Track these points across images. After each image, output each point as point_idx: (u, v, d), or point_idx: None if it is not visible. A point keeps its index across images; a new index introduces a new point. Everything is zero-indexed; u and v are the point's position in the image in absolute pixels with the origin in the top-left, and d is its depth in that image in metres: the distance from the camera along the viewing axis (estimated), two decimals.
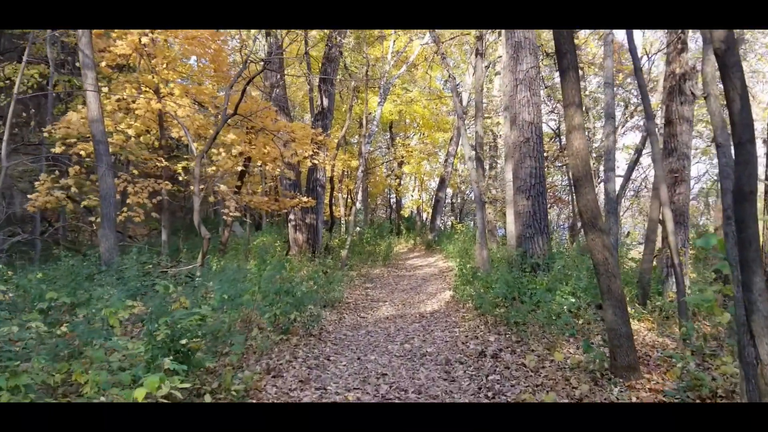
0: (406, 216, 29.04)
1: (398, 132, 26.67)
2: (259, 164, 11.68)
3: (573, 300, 6.35)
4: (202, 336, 4.04)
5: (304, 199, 11.47)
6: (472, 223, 27.41)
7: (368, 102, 20.21)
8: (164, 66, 10.66)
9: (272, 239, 16.60)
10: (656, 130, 5.65)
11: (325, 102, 14.49)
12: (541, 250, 8.27)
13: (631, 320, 6.67)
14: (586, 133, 17.58)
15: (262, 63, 9.82)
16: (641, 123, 21.38)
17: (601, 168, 20.27)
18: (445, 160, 22.45)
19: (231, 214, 10.78)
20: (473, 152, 11.35)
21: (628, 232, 19.35)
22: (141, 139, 11.33)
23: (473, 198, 13.00)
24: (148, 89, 10.56)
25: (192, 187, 10.83)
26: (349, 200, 24.46)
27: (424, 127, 23.69)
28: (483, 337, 6.34)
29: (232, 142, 10.77)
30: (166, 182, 10.77)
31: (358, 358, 5.81)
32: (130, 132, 10.91)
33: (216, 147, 11.30)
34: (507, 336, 6.22)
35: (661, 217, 8.32)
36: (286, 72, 15.27)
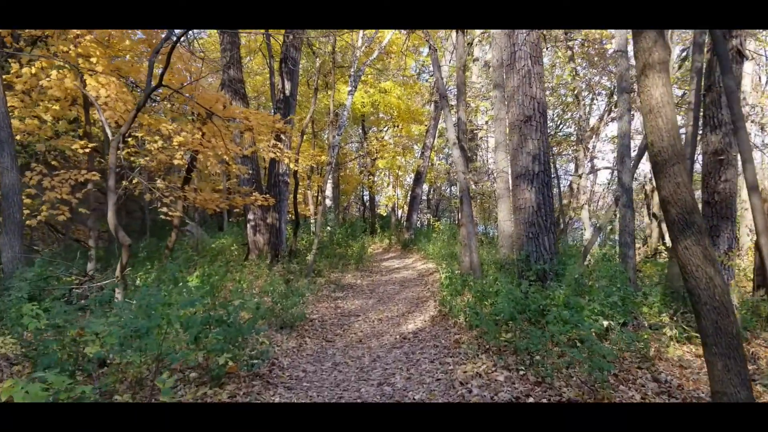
0: (383, 214, 27.50)
1: (371, 126, 25.01)
2: (202, 156, 9.80)
3: (606, 323, 4.80)
4: None
5: (260, 196, 9.67)
6: (449, 219, 25.99)
7: (338, 90, 18.47)
8: (86, 37, 8.70)
9: (231, 241, 14.77)
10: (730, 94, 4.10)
11: (287, 86, 12.71)
12: (548, 253, 6.72)
13: (673, 343, 5.17)
14: (582, 111, 16.20)
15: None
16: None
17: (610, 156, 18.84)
18: (422, 153, 20.87)
19: (172, 213, 8.97)
20: (457, 139, 9.75)
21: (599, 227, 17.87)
22: (59, 124, 9.43)
23: (458, 191, 11.49)
24: (64, 64, 8.61)
25: (131, 181, 9.00)
26: (319, 197, 22.61)
27: (398, 119, 22.06)
28: (488, 374, 4.73)
29: (168, 132, 8.93)
30: (94, 173, 8.84)
31: None
32: (46, 117, 8.98)
33: (151, 135, 9.45)
34: (520, 373, 4.63)
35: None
36: (241, 43, 13.36)
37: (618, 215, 7.36)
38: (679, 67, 9.32)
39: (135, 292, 6.25)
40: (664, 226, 17.05)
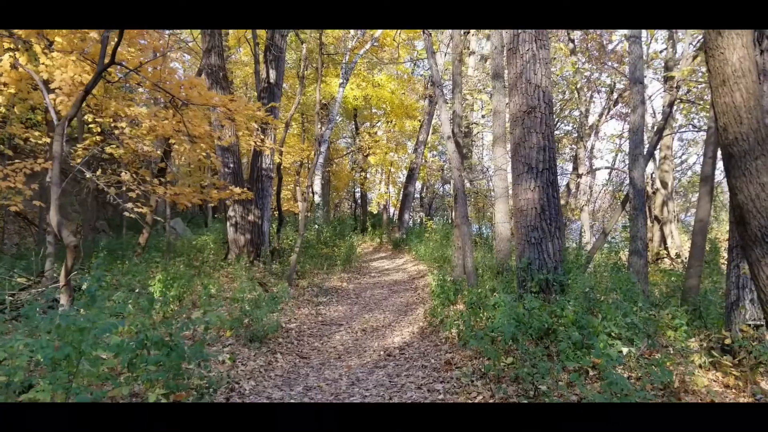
0: (375, 212, 26.74)
1: (363, 121, 24.20)
2: (176, 144, 8.94)
3: (625, 349, 4.04)
4: None
5: (237, 190, 8.84)
6: (442, 218, 25.22)
7: (329, 83, 17.64)
8: None
9: (212, 239, 13.93)
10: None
11: (272, 74, 11.88)
12: (553, 261, 5.97)
13: (699, 370, 4.44)
14: (583, 108, 15.47)
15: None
16: (624, 110, 19.48)
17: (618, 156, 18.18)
18: (415, 149, 20.08)
19: (137, 210, 8.13)
20: (452, 133, 8.99)
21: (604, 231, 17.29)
22: (15, 110, 8.58)
23: (452, 189, 10.75)
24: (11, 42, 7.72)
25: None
26: (309, 194, 21.70)
27: (392, 114, 21.26)
28: None
29: (135, 116, 8.07)
30: (50, 162, 7.99)
31: None
32: None
33: (119, 121, 8.60)
34: None
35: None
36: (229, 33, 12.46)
37: (629, 219, 6.63)
38: (694, 59, 8.62)
39: (80, 299, 5.45)
40: (666, 228, 16.36)
